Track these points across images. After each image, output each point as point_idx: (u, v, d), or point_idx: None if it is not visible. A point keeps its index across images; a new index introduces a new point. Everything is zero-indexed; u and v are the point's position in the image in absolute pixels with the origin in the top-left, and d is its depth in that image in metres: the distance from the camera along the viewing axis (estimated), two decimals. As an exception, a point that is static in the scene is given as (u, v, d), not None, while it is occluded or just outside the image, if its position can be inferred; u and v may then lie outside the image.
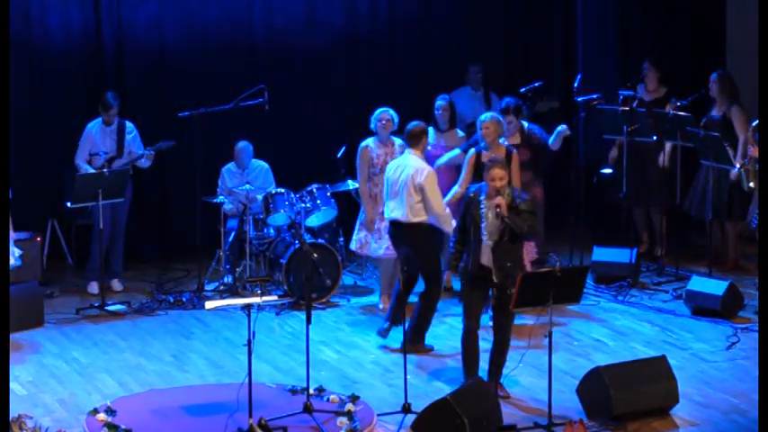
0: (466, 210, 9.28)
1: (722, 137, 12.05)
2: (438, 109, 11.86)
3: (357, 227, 11.65)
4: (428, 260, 10.46)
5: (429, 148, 11.40)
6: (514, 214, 9.00)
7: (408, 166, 10.45)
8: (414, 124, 10.61)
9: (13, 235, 10.79)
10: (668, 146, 12.70)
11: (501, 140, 10.93)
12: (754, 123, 11.83)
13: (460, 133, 12.00)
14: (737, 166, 12.01)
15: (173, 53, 13.47)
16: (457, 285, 11.52)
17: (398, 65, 14.17)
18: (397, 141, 11.52)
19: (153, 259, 13.25)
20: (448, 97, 12.11)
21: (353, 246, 11.68)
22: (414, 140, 10.53)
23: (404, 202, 10.42)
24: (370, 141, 11.57)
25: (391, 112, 11.54)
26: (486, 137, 10.72)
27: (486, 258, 9.13)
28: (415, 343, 10.24)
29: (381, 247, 11.40)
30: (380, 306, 11.69)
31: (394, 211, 10.50)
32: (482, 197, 9.14)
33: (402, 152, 10.98)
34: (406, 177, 10.39)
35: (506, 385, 9.44)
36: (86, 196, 11.62)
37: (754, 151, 11.78)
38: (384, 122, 11.48)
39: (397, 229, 10.54)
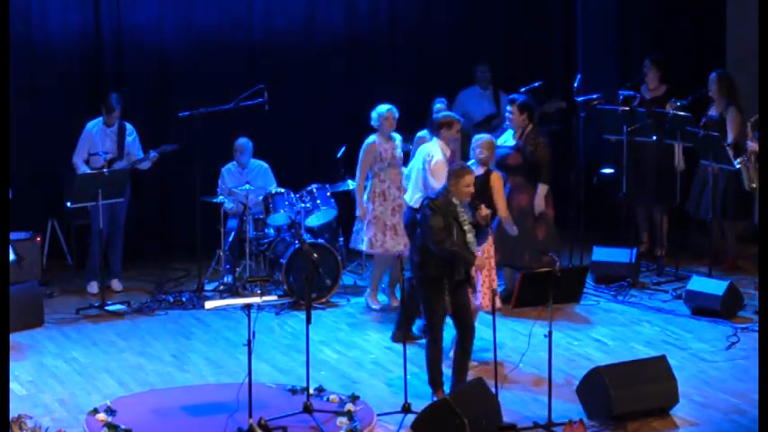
0: (445, 215, 9.05)
1: (721, 137, 12.05)
2: (437, 112, 11.82)
3: (365, 225, 11.60)
4: None
5: None
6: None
7: (426, 152, 10.76)
8: (442, 114, 10.98)
9: None
10: (678, 147, 12.66)
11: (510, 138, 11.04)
12: (754, 118, 11.83)
13: None
14: (736, 165, 11.99)
15: (173, 53, 13.47)
16: None
17: (398, 65, 14.17)
18: (397, 138, 11.56)
19: (153, 259, 13.24)
20: (445, 101, 12.13)
21: (364, 246, 11.65)
22: (439, 130, 10.80)
23: (413, 187, 10.77)
24: (375, 137, 11.59)
25: (393, 110, 11.57)
26: (478, 156, 10.55)
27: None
28: (404, 331, 10.11)
29: (399, 243, 11.43)
30: (373, 306, 11.69)
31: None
32: (456, 202, 9.11)
33: (408, 147, 11.50)
34: (420, 164, 10.70)
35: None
36: (86, 196, 11.62)
37: (754, 146, 11.79)
38: (391, 120, 11.52)
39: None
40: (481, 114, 13.53)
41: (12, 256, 11.14)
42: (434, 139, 10.85)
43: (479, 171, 10.32)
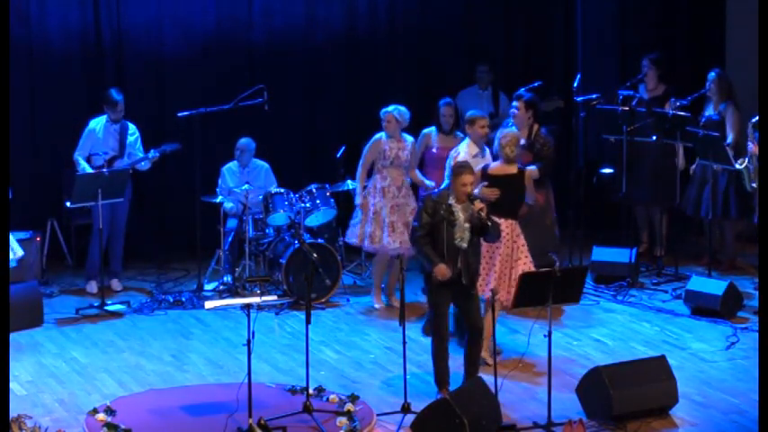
0: (434, 214, 9.16)
1: (721, 137, 12.05)
2: (445, 114, 11.80)
3: (361, 220, 11.59)
4: None
5: (434, 150, 11.69)
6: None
7: (455, 150, 10.89)
8: (468, 113, 11.02)
9: None
10: (680, 147, 12.67)
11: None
12: (753, 120, 11.83)
13: (459, 134, 12.00)
14: (737, 165, 11.98)
15: (172, 53, 13.46)
16: None
17: (398, 65, 14.16)
18: (409, 139, 11.57)
19: (153, 259, 13.25)
20: (453, 102, 12.09)
21: (354, 240, 11.66)
22: (467, 127, 10.89)
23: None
24: (383, 134, 11.59)
25: (395, 112, 11.50)
26: (504, 148, 10.23)
27: (461, 261, 9.17)
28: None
29: (396, 240, 11.42)
30: (375, 305, 11.71)
31: None
32: (450, 201, 9.16)
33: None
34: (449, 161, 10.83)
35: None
36: (86, 196, 11.62)
37: (754, 148, 11.79)
38: (388, 123, 11.51)
39: None
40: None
41: (19, 251, 11.15)
42: (467, 137, 10.91)
43: (511, 170, 10.12)
